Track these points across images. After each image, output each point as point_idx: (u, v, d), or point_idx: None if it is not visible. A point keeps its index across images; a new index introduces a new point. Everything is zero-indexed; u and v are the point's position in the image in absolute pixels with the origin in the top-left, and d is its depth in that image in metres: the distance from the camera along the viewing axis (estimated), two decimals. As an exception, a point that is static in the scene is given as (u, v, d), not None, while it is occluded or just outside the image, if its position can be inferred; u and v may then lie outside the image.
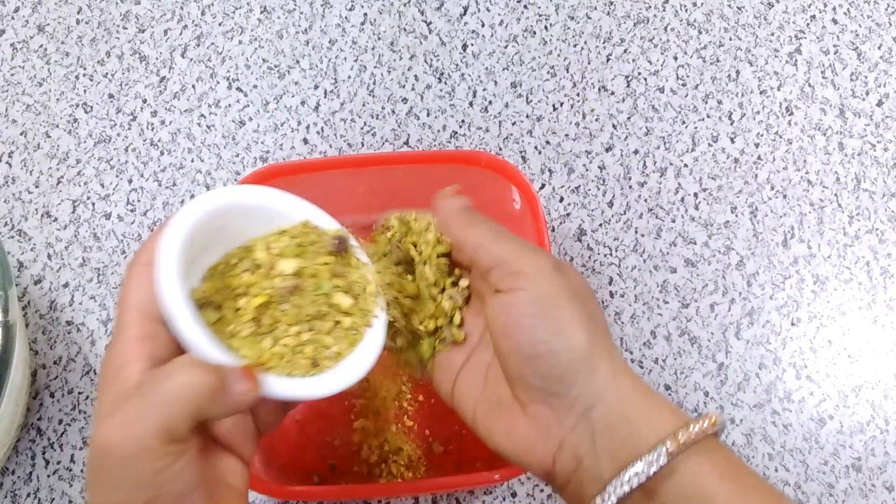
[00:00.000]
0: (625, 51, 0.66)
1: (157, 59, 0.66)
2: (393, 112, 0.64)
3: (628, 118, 0.64)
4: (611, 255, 0.60)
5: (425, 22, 0.67)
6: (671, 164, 0.63)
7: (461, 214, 0.39)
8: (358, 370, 0.36)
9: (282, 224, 0.39)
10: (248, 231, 0.38)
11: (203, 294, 0.35)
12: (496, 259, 0.35)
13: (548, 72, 0.66)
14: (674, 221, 0.61)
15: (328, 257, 0.38)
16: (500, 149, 0.63)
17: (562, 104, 0.65)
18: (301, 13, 0.67)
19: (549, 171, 0.63)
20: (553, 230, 0.61)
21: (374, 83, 0.65)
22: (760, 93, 0.65)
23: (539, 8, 0.68)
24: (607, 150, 0.63)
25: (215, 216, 0.36)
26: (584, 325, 0.33)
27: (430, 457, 0.53)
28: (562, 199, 0.62)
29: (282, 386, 0.33)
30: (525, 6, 0.68)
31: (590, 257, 0.60)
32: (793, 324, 0.59)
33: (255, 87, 0.65)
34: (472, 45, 0.66)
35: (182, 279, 0.33)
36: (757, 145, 0.64)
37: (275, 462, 0.53)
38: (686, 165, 0.63)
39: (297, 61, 0.66)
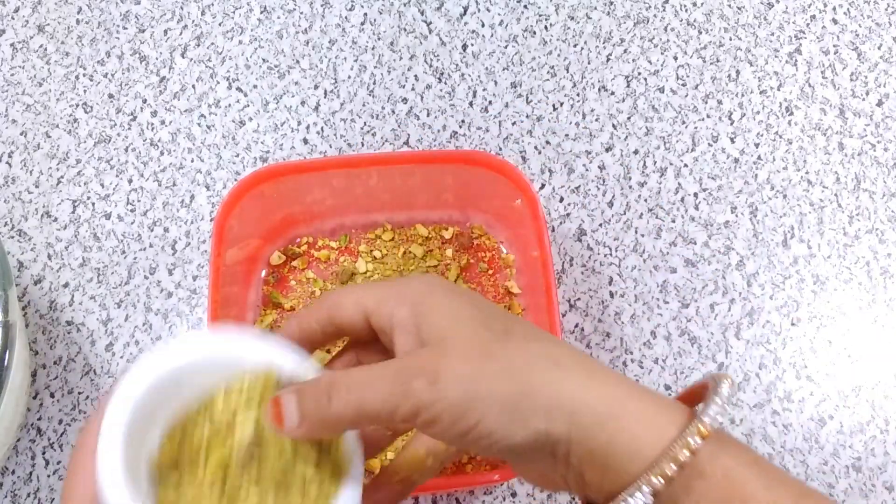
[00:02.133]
0: (625, 51, 0.66)
1: (157, 59, 0.66)
2: (393, 112, 0.64)
3: (628, 118, 0.64)
4: (611, 255, 0.60)
5: (425, 22, 0.67)
6: (671, 164, 0.63)
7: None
8: None
9: (244, 369, 0.34)
10: (208, 381, 0.34)
11: (162, 461, 0.32)
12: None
13: (548, 72, 0.66)
14: (674, 221, 0.61)
15: None
16: (500, 149, 0.63)
17: (562, 104, 0.65)
18: (301, 13, 0.67)
19: (549, 171, 0.63)
20: (553, 230, 0.61)
21: (374, 83, 0.65)
22: (760, 93, 0.65)
23: (539, 8, 0.68)
24: (607, 150, 0.63)
25: (166, 380, 0.32)
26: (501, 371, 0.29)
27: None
28: (562, 199, 0.62)
29: None
30: (525, 6, 0.68)
31: (590, 257, 0.60)
32: (793, 324, 0.59)
33: (255, 87, 0.65)
34: (472, 45, 0.66)
35: (124, 451, 0.30)
36: (757, 145, 0.64)
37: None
38: (686, 165, 0.63)
39: (297, 61, 0.66)
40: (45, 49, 0.66)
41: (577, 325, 0.58)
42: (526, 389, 0.29)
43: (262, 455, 0.32)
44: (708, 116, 0.64)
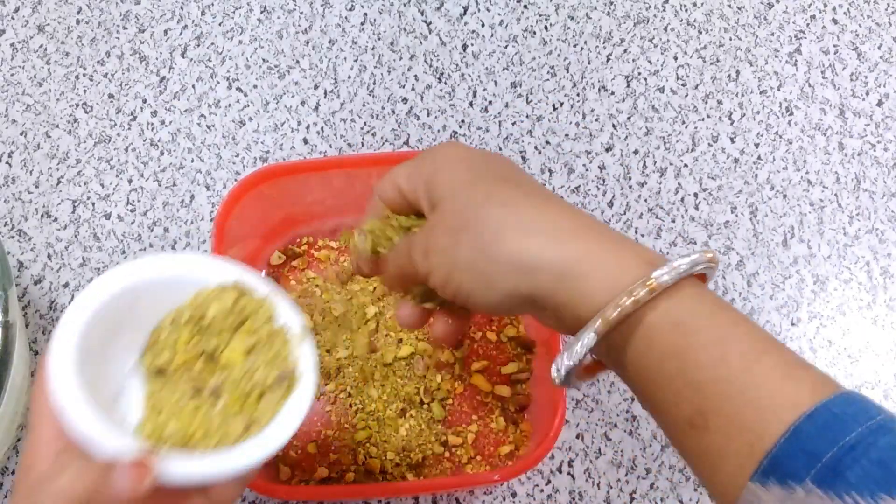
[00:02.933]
0: (625, 51, 0.66)
1: (157, 59, 0.66)
2: (393, 112, 0.64)
3: (628, 118, 0.64)
4: (611, 255, 0.60)
5: (425, 22, 0.67)
6: (671, 164, 0.63)
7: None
8: (276, 439, 0.35)
9: (198, 290, 0.37)
10: (175, 295, 0.37)
11: (145, 368, 0.36)
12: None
13: (548, 72, 0.66)
14: (674, 221, 0.61)
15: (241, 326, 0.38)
16: (500, 149, 0.63)
17: (562, 104, 0.65)
18: (301, 13, 0.67)
19: (549, 171, 0.63)
20: (553, 230, 0.61)
21: (374, 83, 0.65)
22: (760, 93, 0.65)
23: (539, 8, 0.68)
24: (607, 150, 0.63)
25: (119, 298, 0.35)
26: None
27: (431, 457, 0.53)
28: (562, 199, 0.62)
29: (183, 469, 0.32)
30: (525, 6, 0.68)
31: (590, 257, 0.60)
32: (793, 324, 0.59)
33: (255, 87, 0.65)
34: (472, 45, 0.66)
35: (78, 369, 0.32)
36: (757, 145, 0.64)
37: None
38: (686, 165, 0.63)
39: (297, 61, 0.66)
40: (45, 49, 0.66)
41: (577, 325, 0.58)
42: (493, 255, 0.32)
43: (227, 362, 0.36)
44: (708, 116, 0.64)
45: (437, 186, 0.34)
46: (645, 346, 0.30)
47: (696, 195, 0.62)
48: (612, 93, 0.65)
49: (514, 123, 0.64)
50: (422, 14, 0.67)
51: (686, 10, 0.68)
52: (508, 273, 0.32)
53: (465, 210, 0.33)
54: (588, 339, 0.30)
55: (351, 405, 0.54)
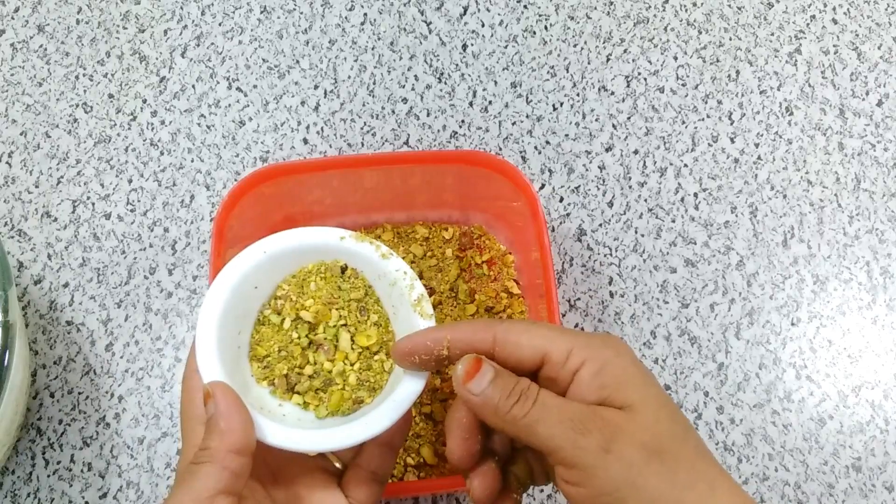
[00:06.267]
0: (625, 51, 0.66)
1: (157, 59, 0.66)
2: (393, 112, 0.64)
3: (628, 118, 0.64)
4: (611, 255, 0.60)
5: (425, 22, 0.67)
6: (671, 164, 0.63)
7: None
8: (373, 427, 0.37)
9: (304, 263, 0.41)
10: (276, 277, 0.41)
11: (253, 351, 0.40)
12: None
13: (548, 72, 0.66)
14: (674, 221, 0.61)
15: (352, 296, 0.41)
16: (500, 149, 0.63)
17: (562, 104, 0.65)
18: (301, 13, 0.67)
19: (549, 171, 0.63)
20: (553, 230, 0.61)
21: (374, 83, 0.65)
22: (760, 93, 0.65)
23: (539, 8, 0.68)
24: (607, 150, 0.63)
25: (242, 284, 0.39)
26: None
27: (431, 457, 0.53)
28: (562, 199, 0.62)
29: (280, 436, 0.36)
30: (525, 6, 0.68)
31: (590, 257, 0.60)
32: (793, 324, 0.59)
33: (255, 87, 0.65)
34: (472, 45, 0.66)
35: (220, 361, 0.36)
36: (757, 145, 0.64)
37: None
38: (686, 165, 0.63)
39: (297, 61, 0.66)
40: (45, 49, 0.66)
41: (577, 326, 0.58)
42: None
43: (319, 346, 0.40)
44: (708, 116, 0.64)
45: (626, 385, 0.32)
46: None
47: (696, 195, 0.62)
48: (612, 93, 0.65)
49: (514, 123, 0.64)
50: (422, 14, 0.67)
51: (686, 10, 0.68)
52: None
53: (663, 435, 0.31)
54: None
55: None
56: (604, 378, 0.32)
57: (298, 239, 0.41)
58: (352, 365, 0.40)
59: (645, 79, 0.65)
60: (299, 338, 0.40)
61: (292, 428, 0.36)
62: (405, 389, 0.37)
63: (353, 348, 0.40)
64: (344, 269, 0.41)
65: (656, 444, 0.31)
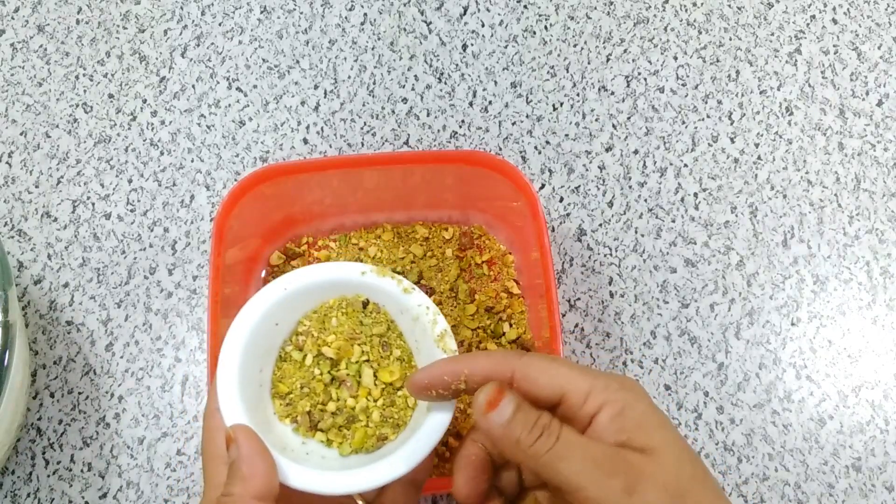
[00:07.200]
0: (625, 51, 0.66)
1: (157, 59, 0.66)
2: (393, 112, 0.64)
3: (628, 118, 0.64)
4: (611, 255, 0.60)
5: (425, 22, 0.67)
6: (671, 164, 0.63)
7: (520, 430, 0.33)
8: (397, 468, 0.36)
9: (326, 299, 0.42)
10: (297, 313, 0.41)
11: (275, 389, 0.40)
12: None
13: (548, 72, 0.66)
14: (674, 221, 0.61)
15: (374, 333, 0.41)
16: (500, 149, 0.63)
17: (562, 104, 0.65)
18: (301, 13, 0.67)
19: (549, 171, 0.63)
20: (553, 230, 0.61)
21: (374, 83, 0.65)
22: (760, 93, 0.65)
23: (539, 8, 0.68)
24: (607, 150, 0.63)
25: (264, 321, 0.39)
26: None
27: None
28: (562, 199, 0.62)
29: (302, 479, 0.35)
30: (525, 6, 0.68)
31: (590, 257, 0.60)
32: (793, 324, 0.59)
33: (255, 87, 0.65)
34: (472, 45, 0.66)
35: (242, 399, 0.37)
36: (757, 145, 0.64)
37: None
38: (686, 165, 0.63)
39: (297, 61, 0.66)
40: (45, 49, 0.66)
41: (577, 325, 0.58)
42: None
43: (343, 384, 0.40)
44: (708, 116, 0.64)
45: (646, 428, 0.32)
46: None
47: (696, 195, 0.62)
48: (612, 93, 0.65)
49: (514, 123, 0.64)
50: (422, 14, 0.67)
51: (686, 10, 0.68)
52: None
53: (686, 478, 0.31)
54: None
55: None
56: (624, 421, 0.32)
57: (319, 274, 0.41)
58: (375, 401, 0.39)
59: (645, 79, 0.65)
60: (321, 374, 0.40)
61: (315, 469, 0.36)
62: (429, 427, 0.37)
63: (375, 384, 0.40)
64: (366, 304, 0.41)
65: (678, 487, 0.31)
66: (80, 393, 0.56)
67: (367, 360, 0.40)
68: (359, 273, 0.41)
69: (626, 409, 0.32)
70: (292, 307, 0.40)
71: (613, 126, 0.64)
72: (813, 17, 0.68)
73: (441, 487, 0.52)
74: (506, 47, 0.66)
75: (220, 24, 0.67)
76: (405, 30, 0.67)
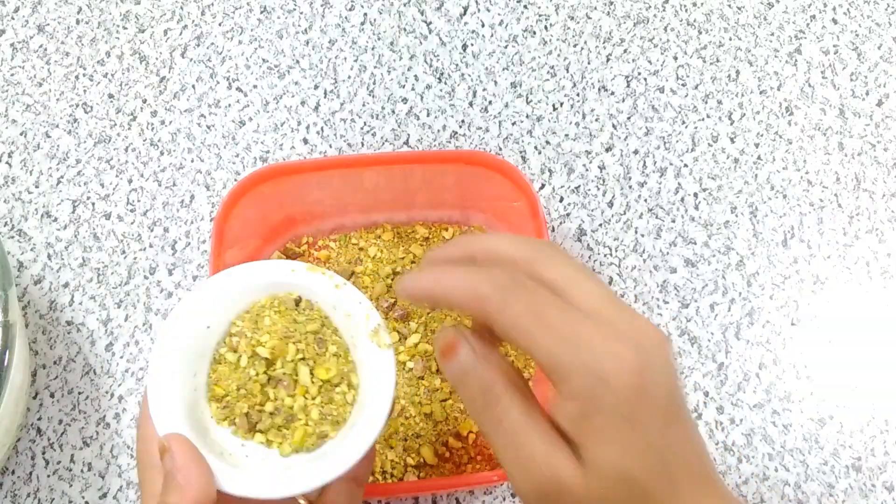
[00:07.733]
0: (625, 51, 0.66)
1: (157, 59, 0.66)
2: (393, 112, 0.64)
3: (628, 118, 0.64)
4: (611, 255, 0.60)
5: (425, 22, 0.67)
6: (671, 164, 0.63)
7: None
8: (338, 466, 0.36)
9: (256, 298, 0.41)
10: (229, 315, 0.40)
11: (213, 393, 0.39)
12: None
13: (548, 72, 0.66)
14: (674, 221, 0.61)
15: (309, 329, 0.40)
16: (500, 149, 0.63)
17: (562, 104, 0.65)
18: (301, 13, 0.67)
19: (549, 171, 0.63)
20: (553, 230, 0.61)
21: (374, 83, 0.65)
22: (760, 93, 0.65)
23: (539, 8, 0.68)
24: (607, 150, 0.63)
25: (193, 325, 0.39)
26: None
27: (431, 457, 0.53)
28: (562, 199, 0.62)
29: (240, 485, 0.35)
30: (525, 6, 0.68)
31: (590, 257, 0.60)
32: (793, 324, 0.59)
33: (255, 87, 0.65)
34: (472, 45, 0.66)
35: (176, 406, 0.36)
36: (757, 145, 0.64)
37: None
38: (686, 165, 0.63)
39: (297, 61, 0.66)
40: (45, 49, 0.66)
41: (577, 325, 0.58)
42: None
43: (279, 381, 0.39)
44: (708, 116, 0.64)
45: (602, 441, 0.29)
46: None
47: (696, 195, 0.62)
48: (612, 93, 0.65)
49: (514, 123, 0.64)
50: (422, 14, 0.67)
51: (686, 10, 0.68)
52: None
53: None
54: None
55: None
56: (583, 426, 0.30)
57: (247, 274, 0.40)
58: (313, 399, 0.39)
59: (645, 79, 0.65)
60: (257, 374, 0.39)
61: (253, 474, 0.36)
62: (368, 422, 0.37)
63: (313, 381, 0.39)
64: (298, 302, 0.41)
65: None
66: (80, 393, 0.56)
67: (303, 358, 0.40)
68: (289, 271, 0.41)
69: (593, 413, 0.28)
70: (223, 309, 0.40)
71: (613, 126, 0.64)
72: (813, 17, 0.68)
73: (441, 487, 0.52)
74: (506, 47, 0.66)
75: (220, 24, 0.67)
76: (405, 30, 0.67)
